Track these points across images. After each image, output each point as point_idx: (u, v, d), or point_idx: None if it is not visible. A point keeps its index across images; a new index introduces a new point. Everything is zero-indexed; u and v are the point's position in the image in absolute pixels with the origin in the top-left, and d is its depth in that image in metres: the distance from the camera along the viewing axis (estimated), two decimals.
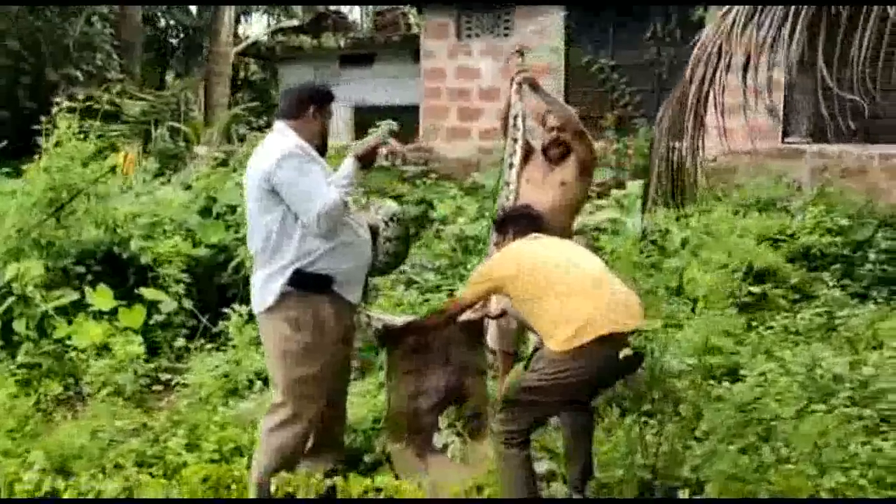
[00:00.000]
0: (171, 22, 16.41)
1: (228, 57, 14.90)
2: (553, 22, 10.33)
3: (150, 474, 3.56)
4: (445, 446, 3.51)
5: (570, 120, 4.10)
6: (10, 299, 5.21)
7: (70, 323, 5.37)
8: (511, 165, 4.13)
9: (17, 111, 12.08)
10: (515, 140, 4.14)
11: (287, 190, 3.19)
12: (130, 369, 4.83)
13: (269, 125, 13.47)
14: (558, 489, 3.54)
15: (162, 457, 3.77)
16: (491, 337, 4.23)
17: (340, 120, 12.37)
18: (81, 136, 6.43)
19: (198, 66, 15.51)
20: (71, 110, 6.03)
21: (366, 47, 15.13)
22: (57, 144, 5.87)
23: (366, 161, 3.36)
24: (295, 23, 17.42)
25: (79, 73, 12.80)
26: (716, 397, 4.44)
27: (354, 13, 18.03)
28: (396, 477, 3.67)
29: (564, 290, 3.07)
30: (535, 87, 4.12)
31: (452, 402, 3.76)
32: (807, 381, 4.49)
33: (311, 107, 3.37)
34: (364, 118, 12.00)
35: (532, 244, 3.34)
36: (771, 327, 5.62)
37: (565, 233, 3.98)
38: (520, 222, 3.47)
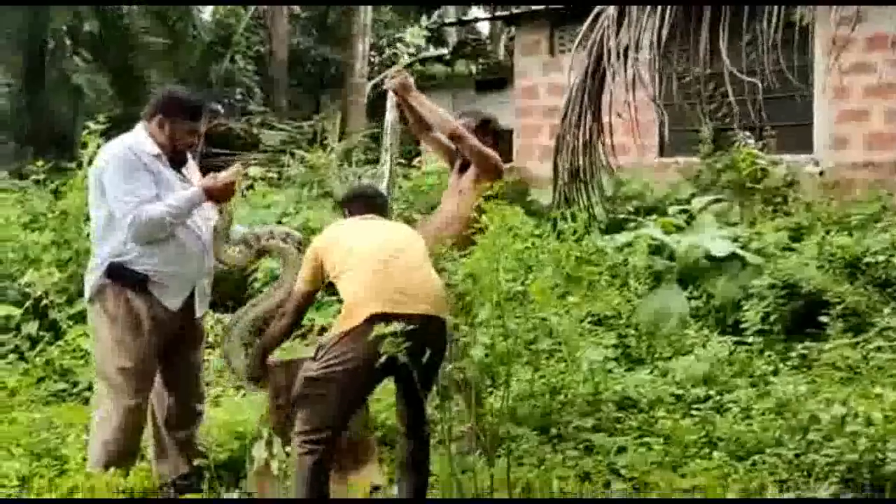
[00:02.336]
0: (317, 57, 17.40)
1: (363, 87, 15.50)
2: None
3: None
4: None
5: (445, 126, 4.06)
6: (28, 303, 5.70)
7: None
8: (382, 176, 4.01)
9: None
10: (387, 150, 4.08)
11: (109, 190, 3.26)
12: None
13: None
14: None
15: (58, 453, 3.89)
16: None
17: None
18: None
19: (339, 97, 16.30)
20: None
21: (497, 72, 15.22)
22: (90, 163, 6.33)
23: (215, 195, 3.32)
24: (444, 51, 17.85)
25: (220, 107, 13.89)
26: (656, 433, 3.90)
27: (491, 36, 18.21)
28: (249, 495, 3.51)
29: (354, 264, 3.02)
30: (406, 89, 4.07)
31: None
32: (779, 420, 3.86)
33: (157, 114, 3.38)
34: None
35: (352, 220, 3.30)
36: (787, 358, 4.85)
37: (461, 240, 3.73)
38: (354, 202, 3.40)
